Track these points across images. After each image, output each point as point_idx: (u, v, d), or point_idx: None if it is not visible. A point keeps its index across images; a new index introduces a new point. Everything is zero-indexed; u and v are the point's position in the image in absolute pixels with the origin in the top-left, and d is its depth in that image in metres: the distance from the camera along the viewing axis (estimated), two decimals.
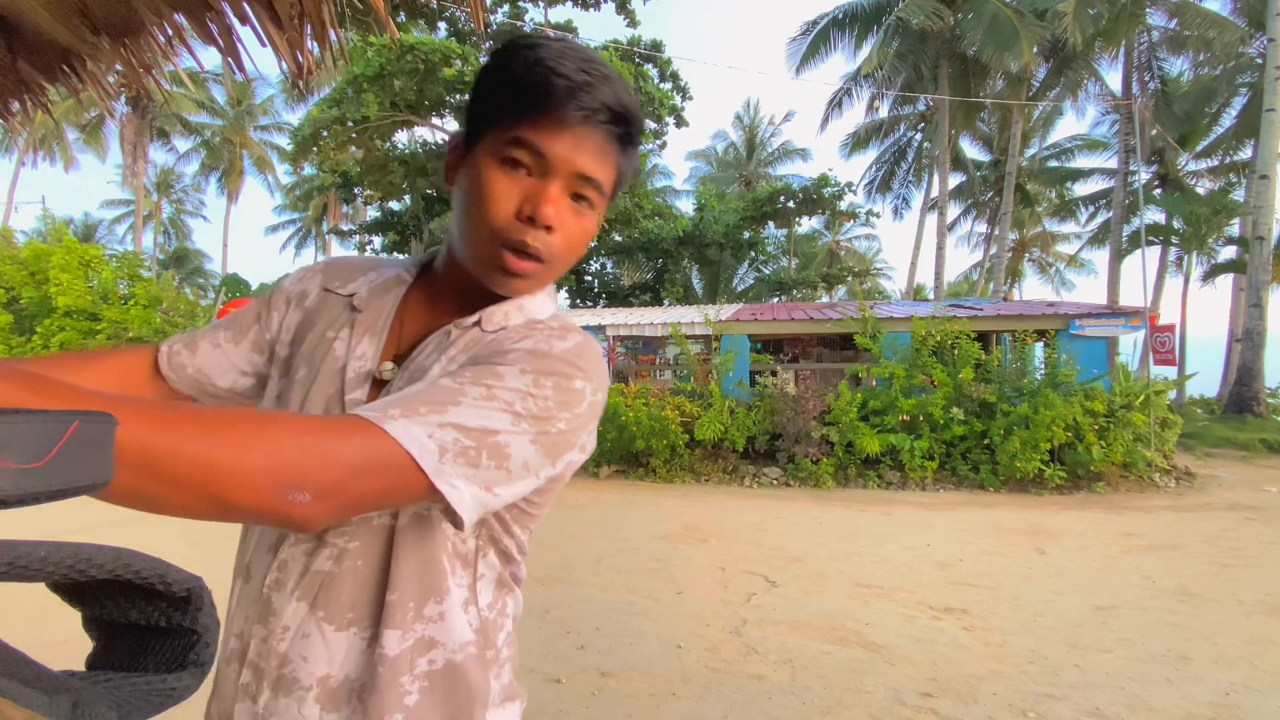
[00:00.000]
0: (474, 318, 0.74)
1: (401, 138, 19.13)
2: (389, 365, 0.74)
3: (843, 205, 19.48)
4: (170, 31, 1.46)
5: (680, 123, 18.37)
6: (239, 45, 1.43)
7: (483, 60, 0.73)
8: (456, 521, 0.59)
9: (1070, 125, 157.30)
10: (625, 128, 0.69)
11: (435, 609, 0.69)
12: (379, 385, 0.73)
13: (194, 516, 0.48)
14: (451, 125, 18.68)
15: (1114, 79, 23.41)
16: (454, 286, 0.76)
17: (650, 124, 18.02)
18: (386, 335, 0.75)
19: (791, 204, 19.42)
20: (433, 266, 0.80)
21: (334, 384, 0.73)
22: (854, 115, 24.39)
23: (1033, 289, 33.96)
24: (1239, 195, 17.62)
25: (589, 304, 21.39)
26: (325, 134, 15.93)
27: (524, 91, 0.66)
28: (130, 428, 0.41)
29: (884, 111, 23.04)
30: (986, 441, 8.62)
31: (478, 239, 0.69)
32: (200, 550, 4.97)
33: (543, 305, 0.77)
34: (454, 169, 0.74)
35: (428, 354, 0.73)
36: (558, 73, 0.64)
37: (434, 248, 0.84)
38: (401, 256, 0.85)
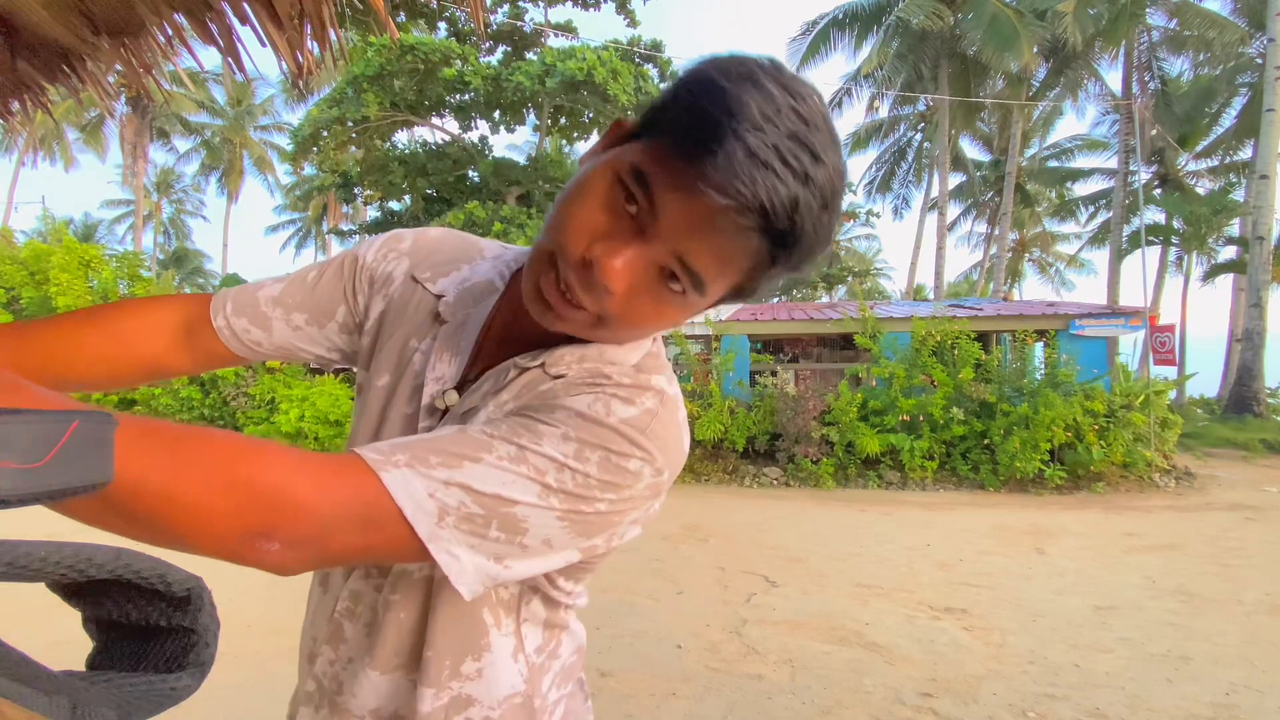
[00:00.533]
0: (540, 357, 0.62)
1: (401, 138, 19.16)
2: (453, 393, 0.65)
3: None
4: (170, 31, 1.46)
5: None
6: (239, 45, 1.43)
7: (686, 65, 0.54)
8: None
9: (1070, 125, 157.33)
10: (783, 249, 0.51)
11: (473, 666, 0.64)
12: (443, 415, 0.65)
13: (159, 547, 0.43)
14: (452, 125, 18.72)
15: (1114, 79, 23.43)
16: None
17: None
18: (469, 356, 0.66)
19: None
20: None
21: (411, 404, 0.67)
22: (854, 115, 24.45)
23: (1033, 289, 33.97)
24: (1239, 195, 17.63)
25: None
26: (325, 134, 15.93)
27: (690, 124, 0.49)
28: None
29: (884, 111, 23.08)
30: (986, 441, 8.62)
31: (539, 250, 0.57)
32: None
33: (627, 353, 0.62)
34: (589, 154, 0.60)
35: (483, 392, 0.63)
36: (736, 132, 0.47)
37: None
38: (496, 245, 0.74)
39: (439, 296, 0.69)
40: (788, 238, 0.50)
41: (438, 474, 0.50)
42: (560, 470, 0.53)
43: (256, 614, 3.92)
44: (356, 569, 0.67)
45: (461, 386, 0.65)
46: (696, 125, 0.49)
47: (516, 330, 0.65)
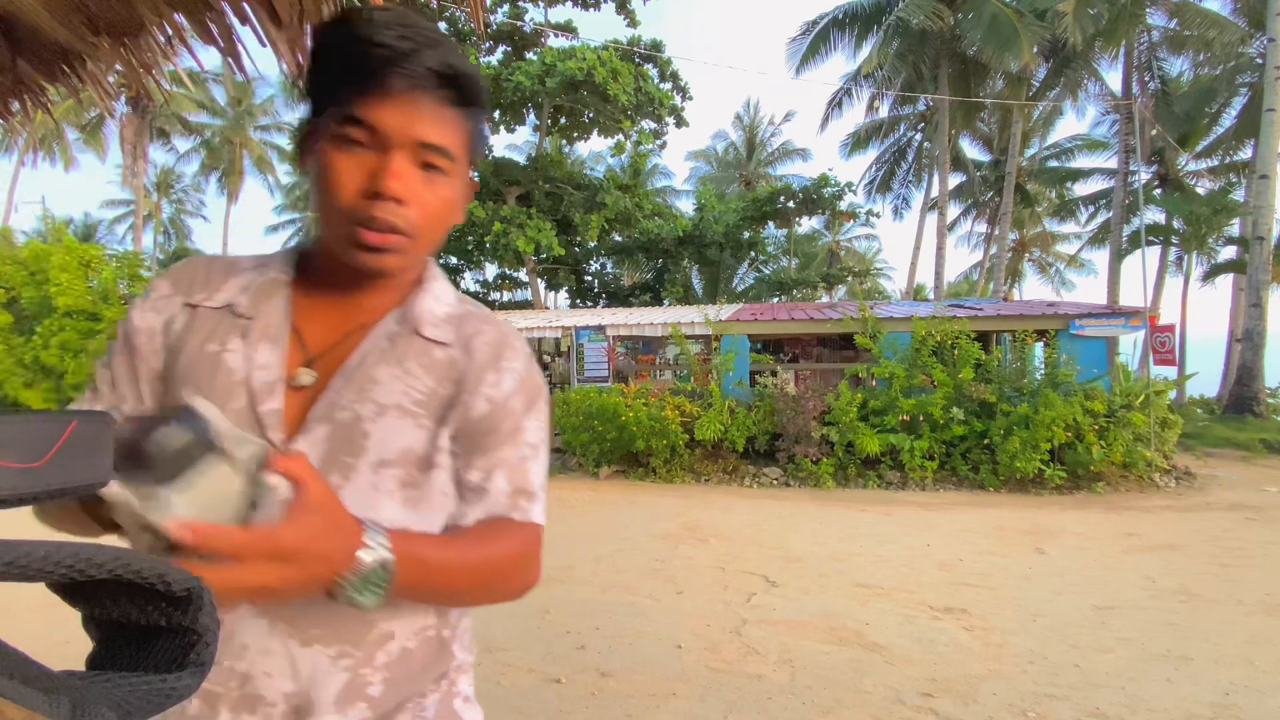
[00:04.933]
0: (406, 322, 0.76)
1: None
2: (306, 371, 0.73)
3: (843, 205, 19.49)
4: (170, 31, 1.46)
5: (680, 123, 18.36)
6: (239, 45, 1.43)
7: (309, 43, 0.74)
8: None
9: (1070, 125, 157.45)
10: (457, 89, 0.68)
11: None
12: (296, 392, 0.72)
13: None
14: None
15: (1114, 79, 23.41)
16: (340, 277, 0.75)
17: (650, 124, 18.00)
18: (288, 341, 0.73)
19: (791, 204, 19.43)
20: (308, 260, 0.78)
21: (239, 398, 0.70)
22: (854, 115, 24.39)
23: (1033, 289, 34.00)
24: (1239, 195, 17.62)
25: (589, 304, 21.40)
26: None
27: (348, 68, 0.66)
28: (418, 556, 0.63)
29: (884, 111, 23.04)
30: (986, 441, 8.62)
31: (332, 222, 0.69)
32: None
33: (445, 288, 0.81)
34: (305, 156, 0.73)
35: (373, 361, 0.73)
36: (376, 42, 0.64)
37: (296, 243, 0.83)
38: (243, 256, 0.81)
39: (228, 305, 0.74)
40: (455, 79, 0.67)
41: (542, 495, 0.79)
42: (542, 430, 0.80)
43: None
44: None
45: (312, 364, 0.74)
46: (347, 63, 0.65)
47: (325, 306, 0.76)
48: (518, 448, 0.77)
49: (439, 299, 0.79)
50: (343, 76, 0.66)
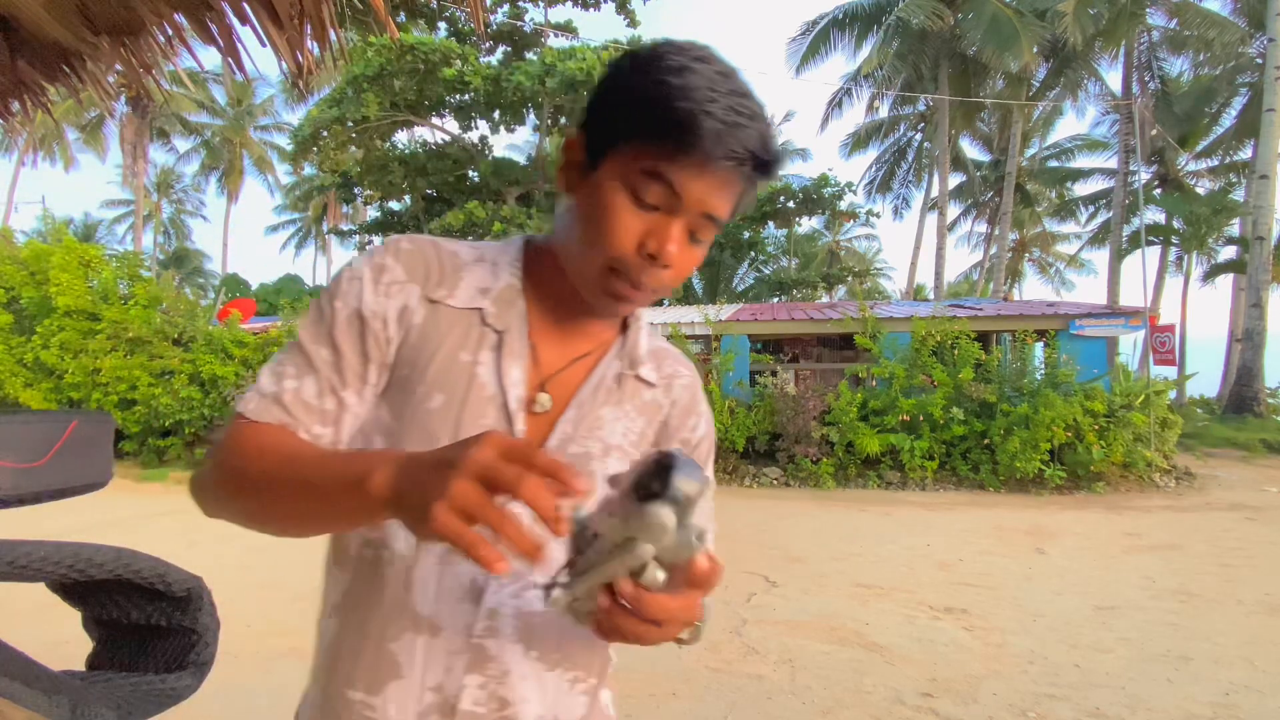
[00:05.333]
0: (626, 360, 0.77)
1: (401, 138, 19.16)
2: (544, 395, 0.72)
3: (843, 205, 19.47)
4: (170, 31, 1.46)
5: None
6: (239, 45, 1.43)
7: (615, 60, 0.69)
8: None
9: (1070, 125, 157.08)
10: (763, 169, 0.66)
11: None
12: (532, 416, 0.71)
13: None
14: (452, 125, 18.70)
15: (1114, 79, 23.40)
16: (574, 302, 0.73)
17: None
18: (528, 359, 0.72)
19: (791, 204, 19.41)
20: (536, 266, 0.75)
21: (489, 415, 0.69)
22: (854, 115, 24.40)
23: (1033, 289, 33.93)
24: (1239, 195, 17.64)
25: None
26: (325, 134, 15.92)
27: (668, 125, 0.62)
28: None
29: (884, 111, 23.07)
30: (986, 441, 8.62)
31: (593, 265, 0.67)
32: (200, 550, 4.96)
33: (647, 320, 0.83)
34: (571, 175, 0.70)
35: (601, 399, 0.74)
36: (708, 113, 0.61)
37: (519, 238, 0.78)
38: (463, 246, 0.76)
39: (478, 309, 0.71)
40: (768, 163, 0.66)
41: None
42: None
43: (256, 614, 3.92)
44: (490, 586, 0.69)
45: (543, 387, 0.73)
46: (668, 119, 0.62)
47: (554, 323, 0.75)
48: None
49: (650, 334, 0.81)
50: (657, 130, 0.62)
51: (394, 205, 20.43)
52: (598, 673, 0.76)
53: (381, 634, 0.68)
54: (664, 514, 0.47)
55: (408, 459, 0.52)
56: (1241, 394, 13.65)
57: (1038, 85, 19.94)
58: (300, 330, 0.71)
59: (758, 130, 0.63)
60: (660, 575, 0.51)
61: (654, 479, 0.48)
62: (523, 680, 0.69)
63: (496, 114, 17.15)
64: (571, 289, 0.72)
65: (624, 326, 0.79)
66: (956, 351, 9.05)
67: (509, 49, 16.84)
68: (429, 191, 18.79)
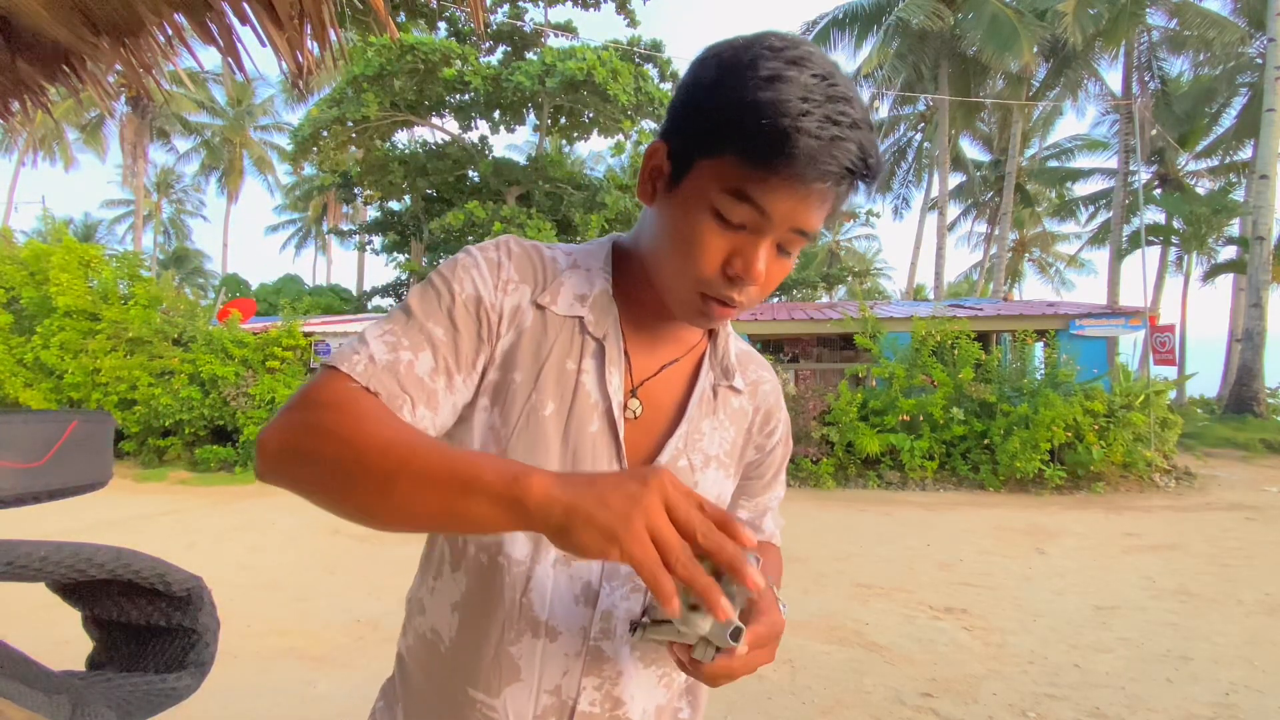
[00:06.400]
0: (718, 369, 0.79)
1: (401, 138, 19.14)
2: (635, 402, 0.72)
3: (842, 205, 19.46)
4: (170, 31, 1.46)
5: None
6: (239, 45, 1.43)
7: (701, 58, 0.65)
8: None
9: (1070, 125, 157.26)
10: (862, 179, 0.61)
11: None
12: (628, 423, 0.72)
13: None
14: (452, 125, 18.70)
15: (1114, 79, 23.42)
16: (657, 305, 0.72)
17: (651, 124, 17.99)
18: (624, 366, 0.72)
19: None
20: (624, 271, 0.75)
21: (593, 423, 0.70)
22: None
23: (1033, 289, 33.95)
24: (1239, 195, 17.63)
25: None
26: (325, 134, 15.91)
27: (757, 144, 0.57)
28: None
29: (884, 111, 23.05)
30: (986, 441, 8.62)
31: (680, 282, 0.66)
32: (200, 550, 4.96)
33: (738, 342, 0.86)
34: (654, 184, 0.67)
35: (701, 412, 0.76)
36: (800, 129, 0.56)
37: (607, 241, 0.77)
38: (558, 250, 0.76)
39: (579, 318, 0.72)
40: (868, 175, 0.61)
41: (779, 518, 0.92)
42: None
43: (256, 614, 3.92)
44: (603, 589, 0.71)
45: (634, 393, 0.74)
46: (759, 132, 0.57)
47: (644, 329, 0.75)
48: (778, 490, 0.86)
49: (737, 341, 0.84)
50: (747, 144, 0.58)
51: (394, 205, 20.43)
52: (674, 666, 0.78)
53: (501, 637, 0.69)
54: (702, 624, 0.55)
55: (571, 476, 0.51)
56: (1241, 394, 13.65)
57: (1038, 85, 19.93)
58: (413, 303, 0.68)
59: (856, 141, 0.58)
60: (710, 653, 0.56)
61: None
62: (631, 680, 0.72)
63: (496, 114, 17.15)
64: (658, 296, 0.71)
65: (711, 332, 0.80)
66: (956, 351, 9.05)
67: (509, 49, 16.83)
68: (429, 191, 18.78)
